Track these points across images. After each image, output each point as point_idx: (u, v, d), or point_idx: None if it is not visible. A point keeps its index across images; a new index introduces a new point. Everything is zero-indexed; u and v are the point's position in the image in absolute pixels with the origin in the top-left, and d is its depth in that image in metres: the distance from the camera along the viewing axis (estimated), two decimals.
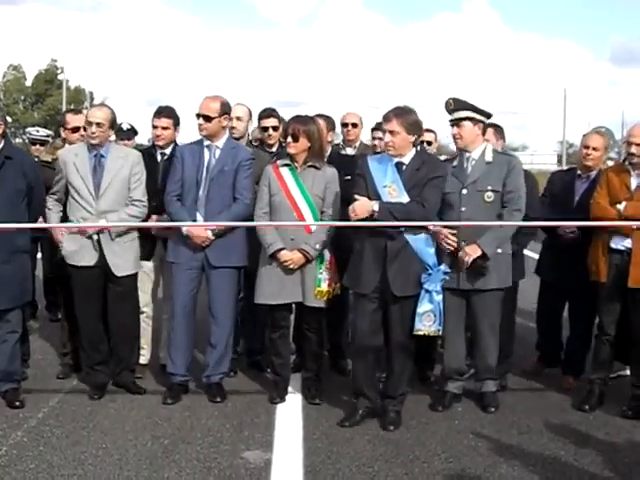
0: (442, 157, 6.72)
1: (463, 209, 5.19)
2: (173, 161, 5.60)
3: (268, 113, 6.33)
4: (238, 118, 6.17)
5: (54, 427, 4.92)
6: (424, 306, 4.91)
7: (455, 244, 5.14)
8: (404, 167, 4.97)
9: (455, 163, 5.35)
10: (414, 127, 4.94)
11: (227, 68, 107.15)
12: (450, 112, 5.27)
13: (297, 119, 5.36)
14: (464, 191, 5.20)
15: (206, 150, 5.50)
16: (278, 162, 5.46)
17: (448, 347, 5.44)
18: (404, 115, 4.90)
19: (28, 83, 59.25)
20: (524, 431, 4.89)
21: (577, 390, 5.68)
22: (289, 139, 5.28)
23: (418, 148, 5.22)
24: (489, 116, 5.35)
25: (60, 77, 58.89)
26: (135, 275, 5.64)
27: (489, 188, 5.16)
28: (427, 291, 4.90)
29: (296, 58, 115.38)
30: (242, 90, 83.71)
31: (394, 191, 4.90)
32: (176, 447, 4.64)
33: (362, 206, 4.86)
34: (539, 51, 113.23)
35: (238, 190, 5.45)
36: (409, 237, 4.91)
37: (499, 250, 5.17)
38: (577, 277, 5.53)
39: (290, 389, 5.56)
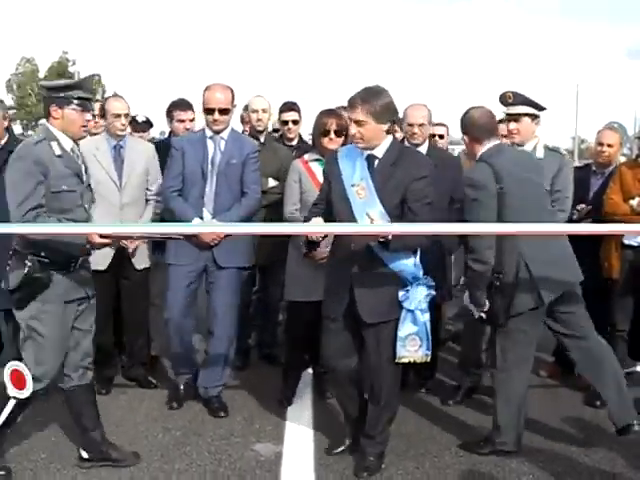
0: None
1: None
2: (172, 153, 5.19)
3: (289, 106, 6.25)
4: (264, 110, 6.08)
5: (65, 418, 4.93)
6: (406, 328, 4.07)
7: None
8: (376, 161, 4.14)
9: None
10: (385, 113, 4.03)
11: (233, 60, 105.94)
12: (507, 105, 5.07)
13: (333, 113, 5.02)
14: None
15: (209, 142, 5.11)
16: (306, 157, 5.16)
17: (466, 340, 5.33)
18: (371, 100, 3.99)
19: (41, 75, 59.39)
20: (535, 427, 4.86)
21: (590, 386, 5.65)
22: (332, 135, 4.92)
23: (398, 136, 4.76)
24: (544, 109, 5.15)
25: (71, 69, 59.09)
26: (148, 269, 5.60)
27: None
28: (409, 311, 4.07)
29: (297, 50, 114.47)
30: (246, 85, 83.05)
31: (362, 190, 4.06)
32: (187, 439, 4.66)
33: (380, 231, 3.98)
34: (552, 44, 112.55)
35: (246, 184, 5.13)
36: (381, 251, 4.06)
37: None
38: (588, 274, 5.45)
39: (301, 384, 5.52)
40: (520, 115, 5.02)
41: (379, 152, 4.13)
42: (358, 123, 4.01)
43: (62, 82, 4.13)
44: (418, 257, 4.13)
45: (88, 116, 4.16)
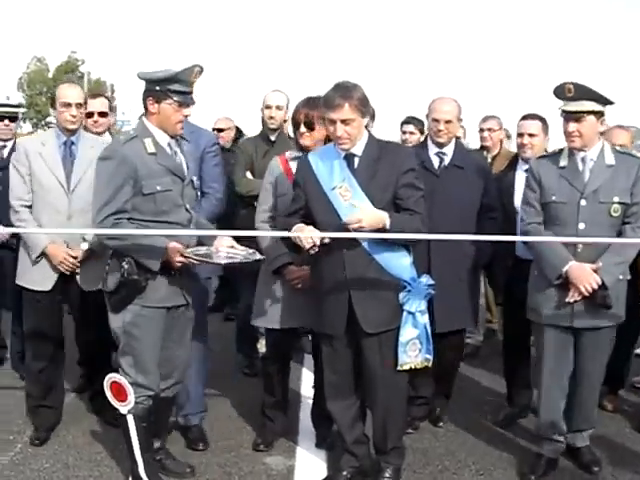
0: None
1: (581, 226, 4.06)
2: None
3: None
4: (278, 107, 5.70)
5: (69, 425, 4.79)
6: (408, 332, 3.83)
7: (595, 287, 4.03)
8: (356, 159, 3.85)
9: (564, 163, 4.19)
10: (367, 106, 3.80)
11: (238, 54, 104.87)
12: (565, 100, 4.14)
13: (308, 103, 4.33)
14: (582, 202, 4.08)
15: None
16: (287, 155, 4.53)
17: (546, 397, 4.35)
18: (353, 95, 3.72)
19: (50, 75, 59.69)
20: None
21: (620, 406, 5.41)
22: (302, 128, 4.30)
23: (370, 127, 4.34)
24: (612, 104, 4.18)
25: (81, 69, 59.36)
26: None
27: (616, 200, 4.05)
28: (409, 313, 3.83)
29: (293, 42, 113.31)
30: (253, 79, 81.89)
31: (346, 192, 3.78)
32: (195, 452, 4.48)
33: (374, 216, 3.68)
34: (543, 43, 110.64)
35: (206, 183, 4.51)
36: (376, 254, 3.81)
37: (621, 277, 4.14)
38: None
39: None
40: (582, 113, 4.09)
41: (357, 150, 3.85)
42: (345, 122, 3.72)
43: (159, 74, 3.77)
44: (412, 256, 3.91)
45: (187, 111, 3.83)
